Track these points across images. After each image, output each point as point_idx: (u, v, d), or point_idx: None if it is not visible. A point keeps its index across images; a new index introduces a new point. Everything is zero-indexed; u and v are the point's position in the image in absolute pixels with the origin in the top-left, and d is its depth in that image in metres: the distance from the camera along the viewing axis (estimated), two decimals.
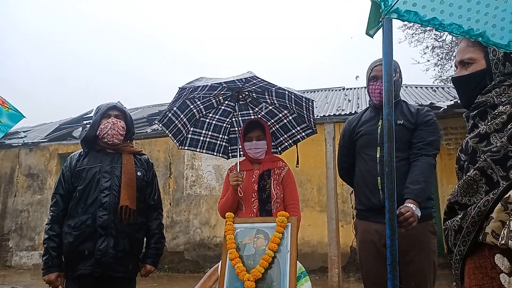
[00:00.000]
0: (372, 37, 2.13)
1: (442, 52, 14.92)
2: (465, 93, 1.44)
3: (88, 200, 2.27)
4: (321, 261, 6.71)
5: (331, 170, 5.68)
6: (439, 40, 14.52)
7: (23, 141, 9.62)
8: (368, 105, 2.56)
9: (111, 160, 2.39)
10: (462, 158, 1.36)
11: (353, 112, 7.24)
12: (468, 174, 1.26)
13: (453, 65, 2.31)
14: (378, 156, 2.25)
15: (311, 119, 2.72)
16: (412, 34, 14.70)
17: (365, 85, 2.49)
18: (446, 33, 1.39)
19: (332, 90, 11.15)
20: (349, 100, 9.18)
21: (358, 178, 2.39)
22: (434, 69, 15.51)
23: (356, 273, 6.49)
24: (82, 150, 2.48)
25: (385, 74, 1.80)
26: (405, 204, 1.95)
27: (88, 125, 2.47)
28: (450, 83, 12.98)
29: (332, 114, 7.43)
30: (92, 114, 2.51)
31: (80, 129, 10.19)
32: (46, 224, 2.32)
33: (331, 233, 5.51)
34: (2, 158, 9.40)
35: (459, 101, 5.92)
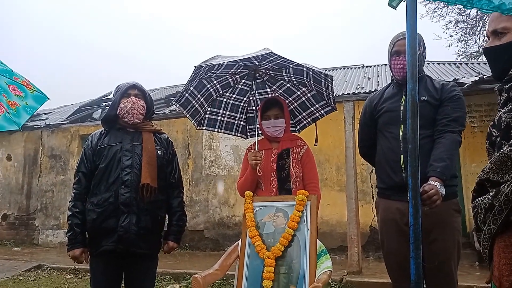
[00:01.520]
0: (395, 9, 2.04)
1: (466, 27, 14.33)
2: (497, 64, 1.36)
3: (110, 178, 2.30)
4: (340, 240, 6.72)
5: (350, 150, 5.59)
6: (463, 14, 13.92)
7: (45, 123, 9.82)
8: (390, 81, 2.48)
9: (131, 139, 2.41)
10: (494, 133, 1.29)
11: (372, 90, 7.07)
12: (501, 150, 1.20)
13: (485, 36, 2.20)
14: (401, 133, 2.19)
15: (330, 96, 2.65)
16: (435, 9, 14.15)
17: (386, 62, 2.41)
18: None
19: (351, 68, 10.90)
20: (369, 78, 8.97)
21: (380, 156, 2.33)
22: (457, 45, 14.96)
23: (375, 252, 6.49)
24: (102, 129, 2.50)
25: (409, 47, 1.72)
26: (429, 182, 1.90)
27: (107, 107, 2.48)
28: (474, 59, 12.53)
29: (351, 92, 7.28)
30: (111, 96, 2.52)
31: (100, 110, 10.30)
32: (70, 202, 2.37)
33: (350, 212, 5.47)
34: (26, 140, 9.64)
35: (484, 77, 5.71)
